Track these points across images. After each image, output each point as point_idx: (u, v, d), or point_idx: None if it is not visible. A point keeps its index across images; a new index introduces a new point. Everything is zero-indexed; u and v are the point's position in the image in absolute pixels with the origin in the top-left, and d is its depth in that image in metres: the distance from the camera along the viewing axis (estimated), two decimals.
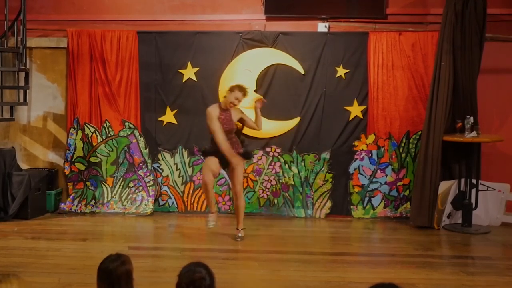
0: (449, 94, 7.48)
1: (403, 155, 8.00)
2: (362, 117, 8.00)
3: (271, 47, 7.98)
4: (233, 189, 6.93)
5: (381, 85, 7.95)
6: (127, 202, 8.03)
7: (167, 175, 8.11)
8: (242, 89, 6.69)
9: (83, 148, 8.09)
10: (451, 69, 7.48)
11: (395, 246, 6.78)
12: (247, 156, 6.92)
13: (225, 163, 6.69)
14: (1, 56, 8.06)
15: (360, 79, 7.99)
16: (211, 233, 7.38)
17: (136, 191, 8.06)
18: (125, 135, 8.09)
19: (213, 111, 6.69)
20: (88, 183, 8.08)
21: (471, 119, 7.38)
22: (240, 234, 6.81)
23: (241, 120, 6.88)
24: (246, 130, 7.92)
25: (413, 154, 7.95)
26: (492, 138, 7.60)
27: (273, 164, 8.04)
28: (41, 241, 6.67)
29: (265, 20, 8.12)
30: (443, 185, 7.44)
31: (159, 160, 8.11)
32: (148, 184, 8.04)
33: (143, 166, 8.08)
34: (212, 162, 6.66)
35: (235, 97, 6.63)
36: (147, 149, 8.08)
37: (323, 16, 8.05)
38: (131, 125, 8.09)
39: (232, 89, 6.69)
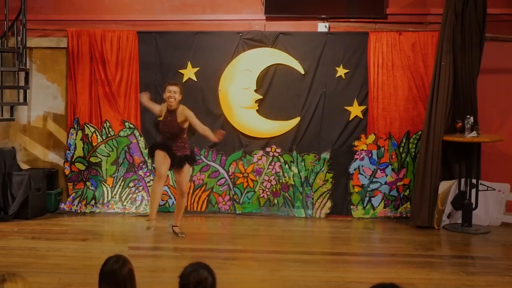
0: (449, 94, 7.49)
1: (403, 155, 8.00)
2: (362, 117, 8.00)
3: (271, 47, 7.98)
4: (179, 188, 6.94)
5: (381, 85, 7.95)
6: (127, 202, 8.03)
7: (167, 175, 8.10)
8: (172, 83, 6.77)
9: (83, 148, 8.09)
10: (451, 69, 7.49)
11: (395, 246, 6.78)
12: (190, 160, 6.86)
13: (172, 158, 6.70)
14: (1, 56, 8.06)
15: (360, 79, 7.99)
16: (211, 233, 7.40)
17: (136, 191, 8.06)
18: (125, 135, 8.09)
19: (162, 107, 6.84)
20: (88, 183, 8.08)
21: (471, 119, 7.38)
22: (181, 231, 6.94)
23: (187, 121, 6.73)
24: (245, 129, 7.95)
25: (413, 154, 7.95)
26: (492, 138, 7.60)
27: (273, 164, 8.04)
28: (41, 241, 6.67)
29: (265, 20, 8.12)
30: (443, 185, 7.44)
31: None
32: (148, 184, 8.04)
33: (143, 166, 8.08)
34: (160, 161, 6.68)
35: (168, 91, 6.66)
36: (147, 149, 8.08)
37: (323, 16, 8.05)
38: (131, 125, 8.09)
39: (164, 88, 6.81)
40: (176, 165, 6.75)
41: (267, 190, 8.05)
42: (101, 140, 8.09)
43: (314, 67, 8.00)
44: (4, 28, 7.64)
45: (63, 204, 8.07)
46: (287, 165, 8.00)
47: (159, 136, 7.01)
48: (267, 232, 7.31)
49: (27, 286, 2.86)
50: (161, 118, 6.87)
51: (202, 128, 6.67)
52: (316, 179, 8.02)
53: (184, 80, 8.04)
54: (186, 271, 3.05)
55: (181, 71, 8.06)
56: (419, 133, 7.86)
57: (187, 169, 6.83)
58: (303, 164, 8.03)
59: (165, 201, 8.11)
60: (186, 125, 6.74)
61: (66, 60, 8.17)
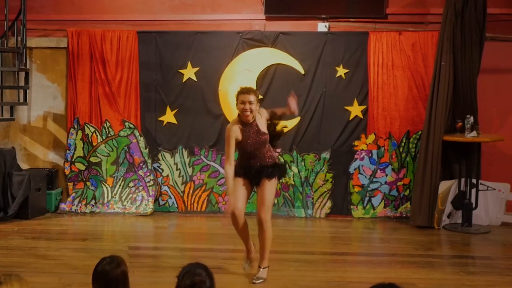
0: (449, 94, 7.49)
1: (403, 155, 8.00)
2: (362, 117, 8.00)
3: (271, 47, 7.98)
4: (258, 212, 5.36)
5: (381, 85, 7.95)
6: (127, 202, 8.03)
7: (167, 175, 8.11)
8: (246, 90, 5.29)
9: (83, 148, 8.09)
10: (451, 69, 7.49)
11: (395, 246, 6.78)
12: (274, 173, 5.37)
13: (253, 179, 5.38)
14: (1, 56, 8.05)
15: (360, 79, 7.99)
16: (211, 233, 7.40)
17: (136, 191, 8.06)
18: (125, 135, 8.09)
19: (233, 129, 5.26)
20: (88, 183, 8.08)
21: (471, 119, 7.38)
22: (260, 275, 5.38)
23: (274, 117, 5.51)
24: None
25: (413, 154, 7.95)
26: (492, 138, 7.60)
27: None
28: (41, 241, 6.67)
29: (265, 20, 8.12)
30: (443, 185, 7.44)
31: (159, 160, 8.11)
32: (148, 184, 8.04)
33: (143, 166, 8.07)
34: (240, 191, 5.32)
35: (241, 101, 5.22)
36: (147, 149, 8.08)
37: (323, 16, 8.05)
38: (131, 125, 8.08)
39: (236, 97, 5.31)
40: (257, 176, 5.36)
41: None
42: (101, 140, 8.09)
43: (314, 67, 8.00)
44: (4, 28, 7.64)
45: (63, 204, 8.06)
46: (287, 165, 7.99)
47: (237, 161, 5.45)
48: None
49: (25, 287, 2.84)
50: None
51: (278, 110, 5.53)
52: (316, 179, 8.02)
53: (184, 80, 8.04)
54: (181, 272, 3.03)
55: (181, 71, 8.06)
56: (419, 133, 7.86)
57: (268, 187, 5.32)
58: (303, 164, 8.03)
59: (165, 201, 8.11)
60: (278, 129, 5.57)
61: (66, 60, 8.17)
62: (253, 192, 5.53)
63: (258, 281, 5.32)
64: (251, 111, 5.20)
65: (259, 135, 5.27)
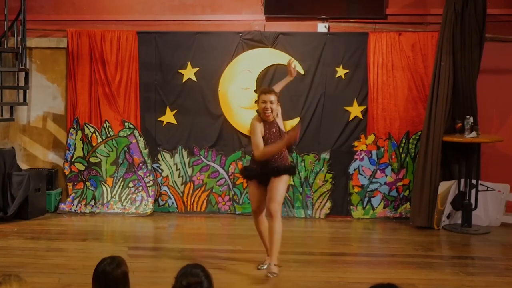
0: (449, 94, 7.49)
1: (403, 156, 8.00)
2: (362, 117, 8.01)
3: (271, 47, 7.98)
4: (267, 203, 5.47)
5: (381, 85, 7.96)
6: (127, 202, 8.03)
7: (167, 175, 8.11)
8: (268, 91, 5.55)
9: (83, 148, 8.09)
10: (451, 69, 7.49)
11: (395, 246, 6.78)
12: (289, 171, 5.63)
13: (267, 177, 5.54)
14: (1, 56, 8.05)
15: (360, 79, 7.99)
16: (210, 234, 7.39)
17: (136, 191, 8.06)
18: (125, 135, 8.09)
19: (257, 123, 5.50)
20: (88, 183, 8.08)
21: (471, 119, 7.38)
22: (273, 270, 5.45)
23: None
24: (244, 130, 7.94)
25: (413, 154, 7.95)
26: (492, 139, 7.61)
27: None
28: (41, 241, 6.67)
29: (265, 20, 8.12)
30: (443, 185, 7.44)
31: (159, 160, 8.11)
32: (148, 184, 8.04)
33: (143, 166, 8.07)
34: (254, 194, 5.60)
35: (263, 100, 5.45)
36: (147, 149, 8.08)
37: (323, 16, 8.05)
38: (131, 125, 8.08)
39: (258, 97, 5.56)
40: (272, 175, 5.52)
41: None
42: (101, 140, 8.09)
43: (314, 67, 8.00)
44: (4, 28, 7.64)
45: (63, 204, 8.06)
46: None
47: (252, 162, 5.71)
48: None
49: (24, 287, 2.84)
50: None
51: (281, 83, 5.86)
52: (316, 179, 8.02)
53: (184, 80, 8.05)
54: (179, 273, 3.02)
55: (181, 71, 8.06)
56: (419, 133, 7.86)
57: (282, 181, 5.51)
58: (302, 164, 8.03)
59: (165, 201, 8.11)
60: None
61: (66, 60, 8.17)
62: None
63: (272, 276, 5.41)
64: (272, 110, 5.46)
65: (280, 134, 5.54)
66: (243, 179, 5.96)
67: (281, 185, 5.47)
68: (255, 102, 5.58)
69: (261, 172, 5.52)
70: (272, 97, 5.45)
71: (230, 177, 8.05)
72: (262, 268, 5.65)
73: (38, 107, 8.28)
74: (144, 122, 8.11)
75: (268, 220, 5.54)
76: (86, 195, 8.06)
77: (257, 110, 5.59)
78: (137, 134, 8.09)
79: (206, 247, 6.63)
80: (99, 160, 8.09)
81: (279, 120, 5.60)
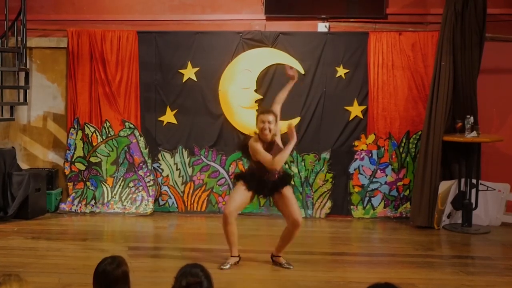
0: (449, 94, 7.49)
1: (403, 155, 8.00)
2: (362, 117, 8.01)
3: (271, 47, 7.98)
4: (291, 217, 5.66)
5: (381, 85, 7.96)
6: (127, 202, 8.03)
7: (167, 175, 8.11)
8: (266, 111, 5.72)
9: (83, 148, 8.09)
10: (451, 69, 7.49)
11: (395, 246, 6.78)
12: (286, 182, 5.78)
13: (264, 190, 5.74)
14: (1, 56, 8.06)
15: (360, 79, 7.99)
16: (211, 233, 7.39)
17: (136, 191, 8.06)
18: (125, 135, 8.09)
19: (256, 142, 5.60)
20: (88, 183, 8.08)
21: (471, 119, 7.38)
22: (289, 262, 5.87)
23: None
24: (245, 129, 7.94)
25: (413, 154, 7.95)
26: (492, 138, 7.60)
27: None
28: (41, 241, 6.67)
29: (265, 20, 8.12)
30: (443, 185, 7.44)
31: (159, 160, 8.11)
32: (148, 184, 8.04)
33: (143, 166, 8.08)
34: (240, 195, 5.72)
35: (261, 120, 5.59)
36: (147, 149, 8.08)
37: (323, 16, 8.05)
38: (131, 125, 8.09)
39: (257, 117, 5.72)
40: (271, 191, 5.73)
41: None
42: (101, 140, 8.09)
43: (314, 67, 8.00)
44: (4, 28, 7.64)
45: (63, 204, 8.06)
46: (287, 165, 7.99)
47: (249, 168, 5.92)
48: (267, 232, 7.30)
49: (24, 287, 2.84)
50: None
51: (284, 91, 6.00)
52: (316, 179, 8.02)
53: (184, 80, 8.05)
54: (178, 273, 3.02)
55: (181, 71, 8.06)
56: (419, 133, 7.86)
57: (290, 192, 5.75)
58: (303, 164, 8.03)
59: (165, 201, 8.11)
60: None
61: (66, 60, 8.17)
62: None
63: (291, 266, 5.77)
64: (270, 130, 5.58)
65: (280, 151, 5.58)
66: (240, 179, 5.78)
67: (291, 195, 5.73)
68: (256, 123, 5.69)
69: (258, 183, 5.70)
70: (271, 117, 5.58)
71: (230, 177, 8.04)
72: (225, 267, 5.68)
73: (38, 107, 8.28)
74: (144, 122, 8.12)
75: (290, 227, 5.70)
76: (87, 195, 8.06)
77: (255, 132, 5.70)
78: (137, 134, 8.09)
79: (206, 247, 6.63)
80: (100, 160, 8.09)
81: (278, 140, 5.69)
